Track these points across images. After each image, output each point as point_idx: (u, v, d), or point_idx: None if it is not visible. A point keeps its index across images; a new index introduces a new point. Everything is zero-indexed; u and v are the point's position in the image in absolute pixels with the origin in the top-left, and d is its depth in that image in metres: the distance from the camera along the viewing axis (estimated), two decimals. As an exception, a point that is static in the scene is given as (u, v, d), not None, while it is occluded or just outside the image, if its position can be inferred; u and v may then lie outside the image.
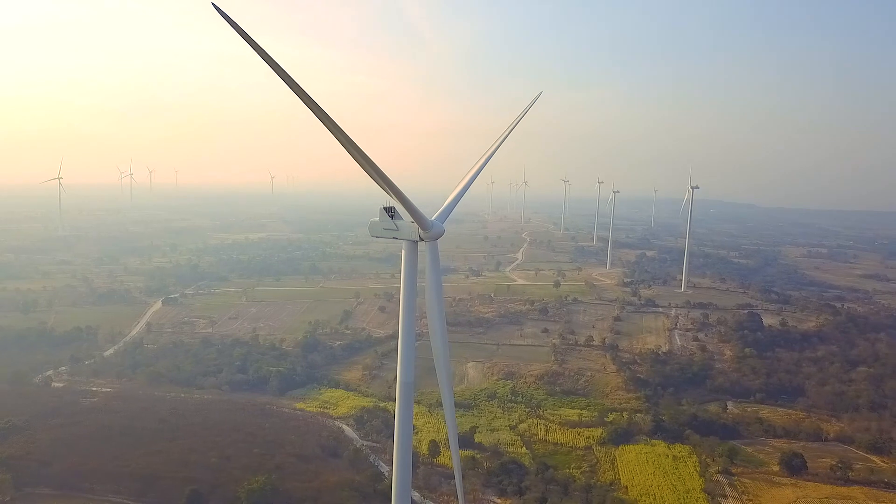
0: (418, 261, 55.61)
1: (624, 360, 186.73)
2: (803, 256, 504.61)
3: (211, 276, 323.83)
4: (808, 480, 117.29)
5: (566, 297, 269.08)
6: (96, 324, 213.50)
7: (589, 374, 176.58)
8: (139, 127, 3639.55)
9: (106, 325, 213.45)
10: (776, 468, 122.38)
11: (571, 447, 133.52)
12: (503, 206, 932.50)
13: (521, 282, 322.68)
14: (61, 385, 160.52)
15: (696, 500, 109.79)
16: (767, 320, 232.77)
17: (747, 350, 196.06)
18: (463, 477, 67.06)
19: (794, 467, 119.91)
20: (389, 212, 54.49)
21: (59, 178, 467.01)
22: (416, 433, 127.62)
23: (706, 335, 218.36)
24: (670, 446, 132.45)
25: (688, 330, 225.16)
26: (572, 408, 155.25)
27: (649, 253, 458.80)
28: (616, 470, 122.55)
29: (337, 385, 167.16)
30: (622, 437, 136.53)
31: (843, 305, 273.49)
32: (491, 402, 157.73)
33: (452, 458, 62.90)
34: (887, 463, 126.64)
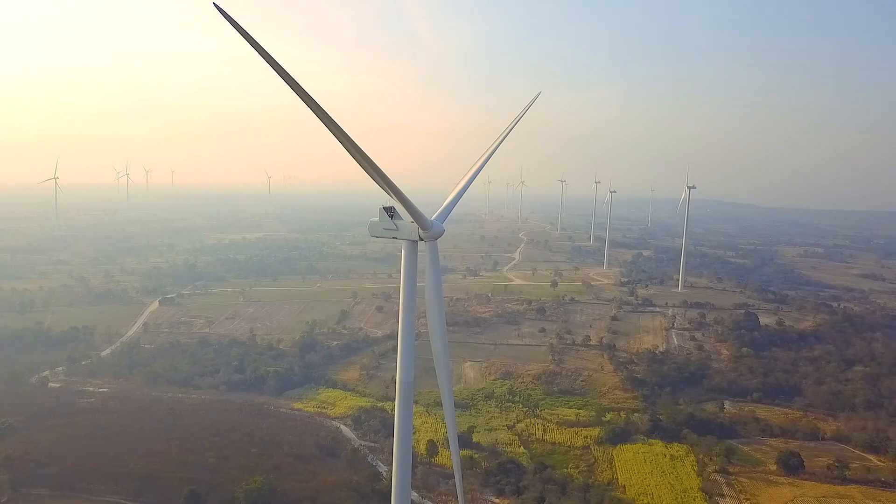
0: (418, 261, 55.63)
1: (621, 360, 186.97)
2: (800, 256, 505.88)
3: (208, 276, 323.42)
4: (805, 479, 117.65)
5: (563, 297, 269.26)
6: (93, 324, 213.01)
7: (586, 373, 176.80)
8: (139, 127, 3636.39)
9: (103, 325, 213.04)
10: (773, 467, 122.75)
11: (569, 447, 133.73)
12: (500, 206, 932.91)
13: (518, 281, 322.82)
14: (58, 385, 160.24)
15: (694, 500, 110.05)
16: (764, 320, 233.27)
17: (744, 349, 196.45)
18: (462, 477, 67.23)
19: (791, 466, 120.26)
20: (389, 212, 54.45)
21: (56, 179, 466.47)
22: (415, 433, 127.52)
23: (703, 335, 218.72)
24: (668, 446, 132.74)
25: (685, 329, 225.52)
26: (570, 407, 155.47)
27: (646, 253, 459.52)
28: (614, 469, 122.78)
29: (334, 385, 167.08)
30: (620, 436, 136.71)
31: (839, 305, 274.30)
32: (488, 401, 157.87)
33: (452, 458, 62.95)
34: (884, 462, 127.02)
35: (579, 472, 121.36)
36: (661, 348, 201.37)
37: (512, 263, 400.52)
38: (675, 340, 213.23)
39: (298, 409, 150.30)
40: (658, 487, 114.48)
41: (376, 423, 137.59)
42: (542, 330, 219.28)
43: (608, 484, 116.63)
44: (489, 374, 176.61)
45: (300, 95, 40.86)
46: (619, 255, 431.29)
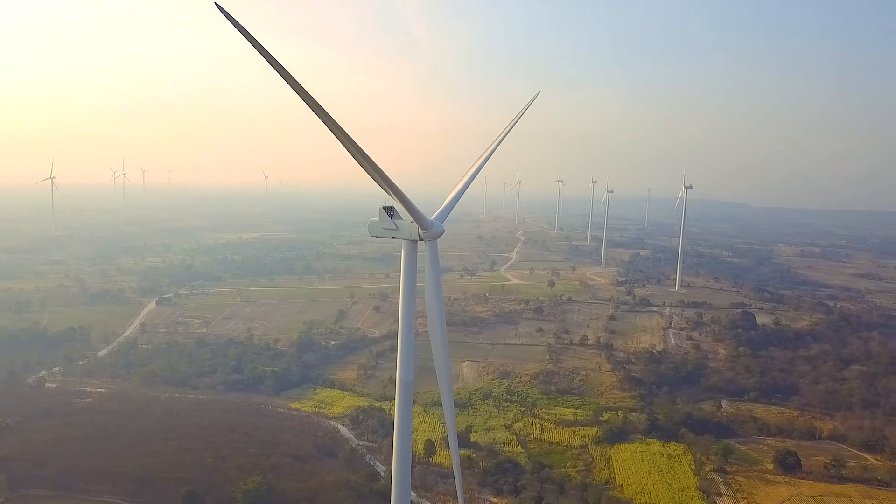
0: (417, 260, 55.67)
1: (619, 359, 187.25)
2: (796, 256, 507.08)
3: (205, 275, 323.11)
4: (802, 478, 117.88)
5: (561, 297, 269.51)
6: (90, 324, 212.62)
7: (584, 373, 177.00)
8: (139, 127, 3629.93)
9: (99, 325, 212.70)
10: (770, 466, 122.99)
11: (567, 446, 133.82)
12: (497, 206, 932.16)
13: (515, 281, 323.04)
14: (55, 385, 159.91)
15: (692, 499, 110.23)
16: (761, 319, 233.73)
17: (741, 349, 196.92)
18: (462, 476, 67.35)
19: (788, 465, 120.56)
20: (389, 211, 54.50)
21: (52, 178, 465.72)
22: (413, 432, 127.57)
23: (700, 334, 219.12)
24: (665, 445, 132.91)
25: (682, 329, 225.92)
26: (567, 407, 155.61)
27: (643, 252, 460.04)
28: (611, 469, 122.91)
29: (332, 385, 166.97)
30: (617, 435, 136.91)
31: (835, 304, 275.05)
32: (486, 401, 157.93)
33: (452, 457, 63.05)
34: (880, 461, 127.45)
35: (577, 472, 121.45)
36: (659, 348, 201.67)
37: (509, 263, 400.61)
38: (672, 340, 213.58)
39: (296, 409, 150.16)
40: (655, 487, 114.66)
41: (374, 423, 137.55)
42: (540, 329, 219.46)
43: (606, 483, 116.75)
44: (487, 373, 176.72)
45: (301, 95, 40.87)
46: (616, 254, 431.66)
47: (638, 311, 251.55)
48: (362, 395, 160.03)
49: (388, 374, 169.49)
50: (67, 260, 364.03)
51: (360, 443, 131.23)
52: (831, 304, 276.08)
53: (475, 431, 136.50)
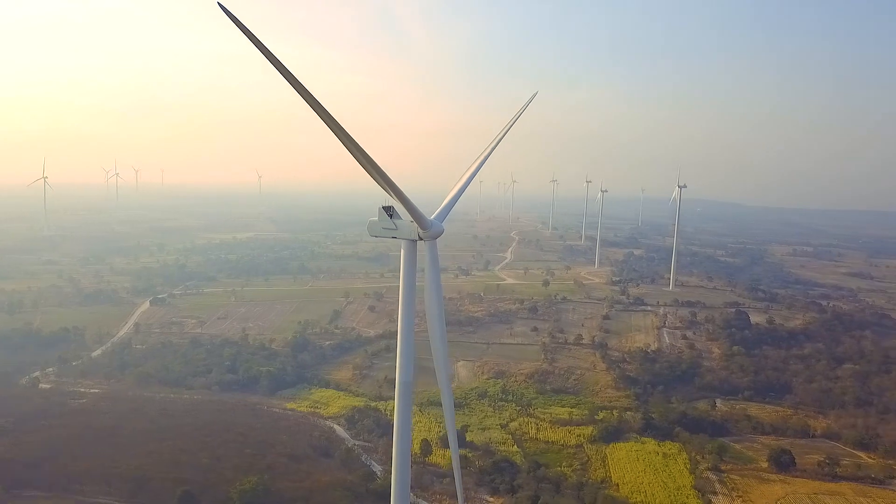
0: (417, 260, 55.71)
1: (613, 359, 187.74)
2: (789, 255, 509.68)
3: (199, 275, 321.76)
4: (797, 476, 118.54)
5: (555, 296, 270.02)
6: (83, 324, 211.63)
7: (579, 372, 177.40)
8: (139, 127, 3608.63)
9: (93, 326, 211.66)
10: (765, 465, 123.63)
11: (562, 445, 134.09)
12: (492, 205, 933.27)
13: (510, 281, 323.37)
14: (49, 386, 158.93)
15: (687, 497, 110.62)
16: (755, 318, 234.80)
17: (735, 348, 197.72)
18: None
19: (783, 464, 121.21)
20: (388, 211, 54.48)
21: (45, 178, 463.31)
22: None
23: (694, 333, 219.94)
24: (660, 444, 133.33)
25: (676, 328, 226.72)
26: (563, 406, 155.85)
27: (637, 252, 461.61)
28: (607, 467, 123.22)
29: (327, 385, 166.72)
30: (613, 434, 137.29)
31: (828, 303, 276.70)
32: (482, 400, 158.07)
33: (452, 457, 63.21)
34: (874, 459, 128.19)
35: (573, 471, 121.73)
36: (653, 347, 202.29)
37: (504, 263, 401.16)
38: (666, 339, 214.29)
39: (291, 409, 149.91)
40: (651, 485, 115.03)
41: (370, 423, 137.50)
42: (535, 329, 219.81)
43: (601, 482, 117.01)
44: (482, 373, 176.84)
45: (302, 95, 40.82)
46: (610, 254, 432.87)
47: (632, 311, 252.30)
48: (358, 395, 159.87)
49: (384, 373, 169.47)
50: (60, 260, 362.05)
51: (356, 443, 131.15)
52: (824, 303, 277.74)
53: (471, 431, 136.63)
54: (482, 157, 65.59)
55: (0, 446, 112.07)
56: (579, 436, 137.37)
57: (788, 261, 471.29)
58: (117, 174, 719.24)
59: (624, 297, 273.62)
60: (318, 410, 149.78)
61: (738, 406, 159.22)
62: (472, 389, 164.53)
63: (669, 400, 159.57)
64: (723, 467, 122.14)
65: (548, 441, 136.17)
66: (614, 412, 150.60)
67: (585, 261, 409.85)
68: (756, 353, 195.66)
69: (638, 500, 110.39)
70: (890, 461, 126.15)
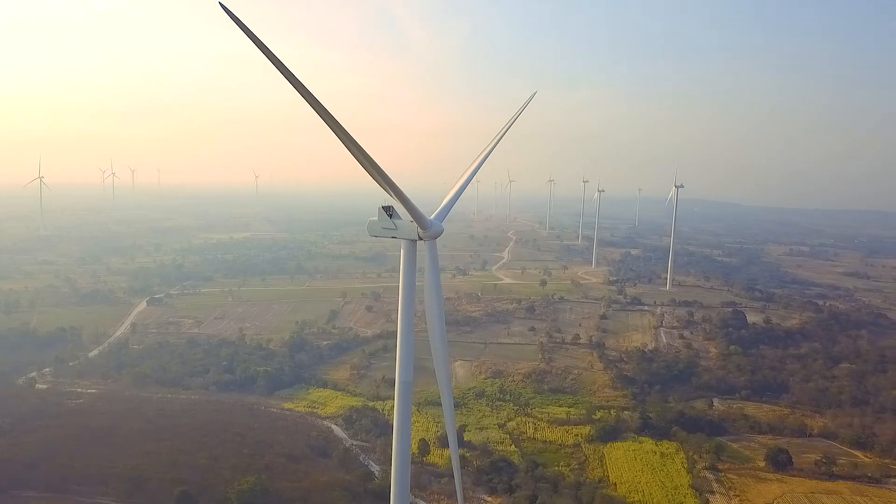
0: (416, 260, 55.74)
1: (611, 358, 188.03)
2: (785, 255, 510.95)
3: (196, 275, 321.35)
4: (794, 475, 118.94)
5: (552, 296, 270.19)
6: (80, 324, 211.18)
7: (576, 372, 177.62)
8: (139, 127, 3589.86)
9: (90, 326, 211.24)
10: (762, 464, 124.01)
11: (560, 445, 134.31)
12: (489, 205, 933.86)
13: (507, 280, 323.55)
14: (45, 386, 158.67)
15: (685, 497, 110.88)
16: (751, 318, 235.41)
17: (732, 347, 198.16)
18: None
19: (780, 463, 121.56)
20: (388, 211, 54.47)
21: (41, 178, 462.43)
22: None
23: (691, 333, 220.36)
24: (658, 443, 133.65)
25: (673, 328, 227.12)
26: (560, 406, 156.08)
27: (634, 251, 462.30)
28: (605, 467, 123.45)
29: (325, 385, 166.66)
30: (610, 434, 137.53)
31: (825, 303, 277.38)
32: (479, 400, 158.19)
33: (452, 457, 63.28)
34: (870, 458, 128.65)
35: (570, 470, 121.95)
36: (650, 346, 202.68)
37: (501, 262, 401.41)
38: (663, 339, 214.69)
39: (289, 409, 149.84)
40: (648, 485, 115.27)
41: (367, 423, 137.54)
42: (532, 329, 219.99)
43: (599, 482, 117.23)
44: (480, 372, 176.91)
45: (302, 94, 40.79)
46: (607, 253, 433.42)
47: (629, 310, 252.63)
48: (355, 395, 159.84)
49: (381, 373, 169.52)
50: (57, 260, 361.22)
51: (354, 443, 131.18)
52: (821, 302, 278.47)
53: (469, 431, 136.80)
54: (482, 157, 65.68)
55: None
56: (577, 435, 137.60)
57: (785, 260, 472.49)
58: (114, 174, 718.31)
59: (621, 296, 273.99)
60: (315, 410, 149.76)
61: (735, 405, 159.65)
62: (469, 389, 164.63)
63: (667, 399, 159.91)
64: (720, 466, 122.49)
65: (545, 441, 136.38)
66: (612, 412, 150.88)
67: (582, 260, 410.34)
68: (753, 353, 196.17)
69: (635, 499, 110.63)
70: (886, 460, 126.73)
